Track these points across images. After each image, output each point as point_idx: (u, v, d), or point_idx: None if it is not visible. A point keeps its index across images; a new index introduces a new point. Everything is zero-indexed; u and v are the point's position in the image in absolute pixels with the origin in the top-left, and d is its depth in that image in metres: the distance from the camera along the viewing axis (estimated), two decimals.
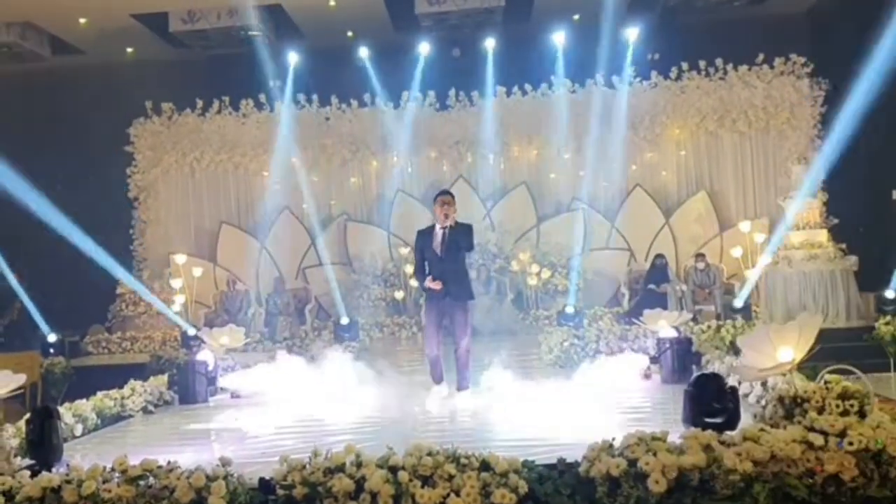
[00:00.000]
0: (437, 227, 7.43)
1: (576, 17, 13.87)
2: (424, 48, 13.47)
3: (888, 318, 9.60)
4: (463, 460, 4.27)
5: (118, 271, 13.26)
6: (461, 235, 7.37)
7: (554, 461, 4.41)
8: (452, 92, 13.93)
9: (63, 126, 14.58)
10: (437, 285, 7.36)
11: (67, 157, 14.37)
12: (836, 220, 12.48)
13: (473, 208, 13.81)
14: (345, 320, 12.03)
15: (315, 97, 14.11)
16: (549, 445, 5.27)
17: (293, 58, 13.67)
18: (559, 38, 13.32)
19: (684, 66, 13.47)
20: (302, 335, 12.03)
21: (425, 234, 7.58)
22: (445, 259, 7.39)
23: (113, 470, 4.33)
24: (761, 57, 13.43)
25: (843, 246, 11.75)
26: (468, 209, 13.81)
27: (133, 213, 14.47)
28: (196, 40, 13.99)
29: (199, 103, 14.25)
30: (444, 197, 7.44)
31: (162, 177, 14.49)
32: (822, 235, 11.97)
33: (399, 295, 13.20)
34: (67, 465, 4.62)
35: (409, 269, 12.64)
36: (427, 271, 7.52)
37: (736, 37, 13.57)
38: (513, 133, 13.87)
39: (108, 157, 14.14)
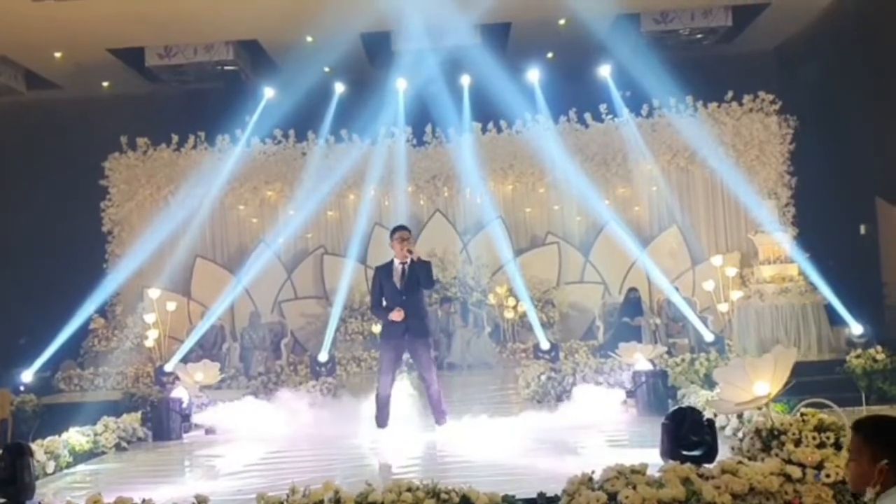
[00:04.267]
0: (397, 262, 7.46)
1: (549, 55, 14.10)
2: (401, 84, 13.59)
3: (859, 351, 9.75)
4: (443, 496, 4.27)
5: (91, 306, 13.16)
6: (421, 271, 7.36)
7: (534, 495, 4.42)
8: (429, 128, 14.03)
9: (38, 160, 14.46)
10: (399, 315, 7.30)
11: (42, 190, 14.23)
12: (807, 255, 12.66)
13: (450, 242, 13.87)
14: (323, 356, 11.92)
15: (292, 132, 14.14)
16: (529, 478, 5.28)
17: (269, 93, 13.72)
18: (533, 76, 13.54)
19: (656, 103, 13.69)
20: (277, 370, 11.91)
21: (384, 270, 7.60)
22: (405, 294, 7.38)
23: None
24: (730, 94, 13.69)
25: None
26: (445, 243, 13.94)
27: (106, 248, 14.32)
28: (172, 75, 14.01)
29: (175, 138, 14.20)
30: (403, 233, 7.50)
31: (136, 210, 14.36)
32: (793, 269, 12.13)
33: (376, 329, 13.12)
34: None
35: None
36: (386, 306, 7.50)
37: (706, 74, 13.80)
38: (488, 168, 13.99)
39: (82, 191, 14.01)
